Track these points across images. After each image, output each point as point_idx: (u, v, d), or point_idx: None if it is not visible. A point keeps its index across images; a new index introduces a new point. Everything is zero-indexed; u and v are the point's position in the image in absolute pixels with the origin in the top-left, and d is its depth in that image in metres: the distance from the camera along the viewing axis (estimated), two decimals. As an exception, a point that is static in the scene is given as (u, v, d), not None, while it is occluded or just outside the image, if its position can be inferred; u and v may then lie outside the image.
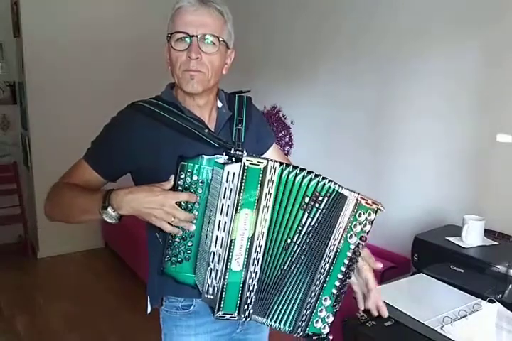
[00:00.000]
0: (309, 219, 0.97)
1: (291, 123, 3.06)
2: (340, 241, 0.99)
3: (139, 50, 3.62)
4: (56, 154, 3.48)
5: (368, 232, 1.02)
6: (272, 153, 1.33)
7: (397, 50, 2.27)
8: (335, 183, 0.98)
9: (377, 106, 2.42)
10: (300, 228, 0.97)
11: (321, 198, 0.97)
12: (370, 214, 1.02)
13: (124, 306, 2.95)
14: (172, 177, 0.99)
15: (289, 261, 0.98)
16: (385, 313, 1.10)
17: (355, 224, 1.00)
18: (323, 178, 0.97)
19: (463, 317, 1.39)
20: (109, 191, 0.98)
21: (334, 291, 1.01)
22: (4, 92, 3.84)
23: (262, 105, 3.23)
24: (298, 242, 0.98)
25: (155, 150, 1.10)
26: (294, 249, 0.98)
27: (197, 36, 1.06)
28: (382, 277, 1.91)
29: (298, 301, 0.99)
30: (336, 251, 0.99)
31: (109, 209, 0.96)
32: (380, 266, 1.10)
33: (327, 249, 0.99)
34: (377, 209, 1.03)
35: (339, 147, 2.68)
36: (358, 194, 1.01)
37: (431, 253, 1.70)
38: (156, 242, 1.05)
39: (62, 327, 2.74)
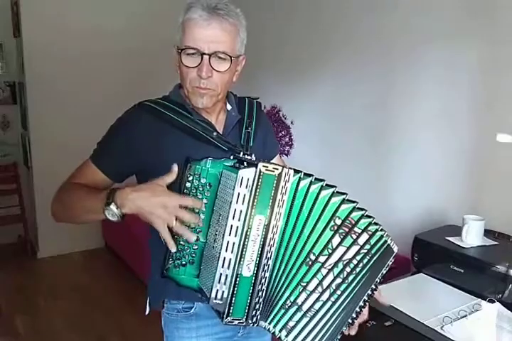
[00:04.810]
0: (342, 248, 0.98)
1: (291, 123, 3.06)
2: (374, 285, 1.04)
3: (139, 50, 3.62)
4: (56, 154, 3.48)
5: None
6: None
7: (398, 47, 2.27)
8: (376, 224, 1.00)
9: (377, 106, 2.42)
10: (330, 251, 0.97)
11: (357, 230, 0.98)
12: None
13: (124, 306, 2.95)
14: (175, 166, 0.98)
15: (314, 281, 0.97)
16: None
17: (386, 270, 1.04)
18: (360, 209, 0.98)
19: (463, 317, 1.39)
20: (115, 189, 0.97)
21: (350, 321, 1.04)
22: (4, 92, 3.84)
23: (262, 105, 3.22)
24: (328, 267, 0.98)
25: (160, 151, 1.09)
26: (324, 273, 0.97)
27: (209, 54, 1.02)
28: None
29: (327, 336, 1.00)
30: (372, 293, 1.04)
31: (112, 206, 0.94)
32: (386, 303, 1.18)
33: (365, 295, 1.02)
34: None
35: (339, 147, 2.68)
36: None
37: (431, 253, 1.70)
38: (159, 244, 1.03)
39: (62, 327, 2.74)
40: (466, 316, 1.39)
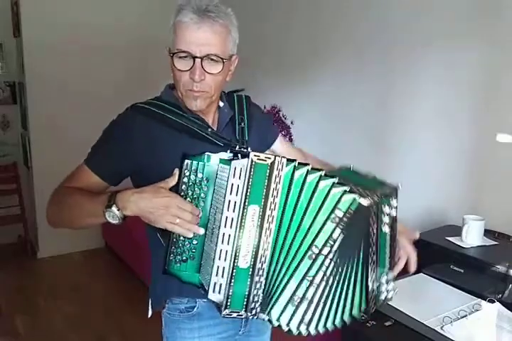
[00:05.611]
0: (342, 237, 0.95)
1: (291, 123, 3.06)
2: (376, 236, 0.99)
3: (139, 51, 3.62)
4: (56, 154, 3.48)
5: (396, 214, 1.06)
6: (280, 145, 1.33)
7: (398, 47, 2.27)
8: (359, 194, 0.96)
9: (377, 107, 2.42)
10: (332, 242, 0.95)
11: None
12: (391, 201, 1.03)
13: (124, 306, 2.95)
14: (176, 170, 0.98)
15: (320, 274, 0.95)
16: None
17: (384, 217, 1.01)
18: (350, 191, 0.94)
19: (463, 317, 1.39)
20: (116, 191, 0.97)
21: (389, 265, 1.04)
22: (4, 92, 3.84)
23: (262, 105, 3.21)
24: (331, 257, 0.95)
25: (156, 151, 1.09)
26: (327, 264, 0.95)
27: (201, 58, 1.03)
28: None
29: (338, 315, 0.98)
30: (377, 245, 1.00)
31: (114, 208, 0.94)
32: (417, 235, 1.22)
33: (369, 250, 0.98)
34: (396, 190, 1.04)
35: (339, 147, 2.68)
36: (377, 194, 0.99)
37: (431, 253, 1.70)
38: (158, 243, 1.04)
39: (62, 327, 2.74)
40: (466, 316, 1.39)
